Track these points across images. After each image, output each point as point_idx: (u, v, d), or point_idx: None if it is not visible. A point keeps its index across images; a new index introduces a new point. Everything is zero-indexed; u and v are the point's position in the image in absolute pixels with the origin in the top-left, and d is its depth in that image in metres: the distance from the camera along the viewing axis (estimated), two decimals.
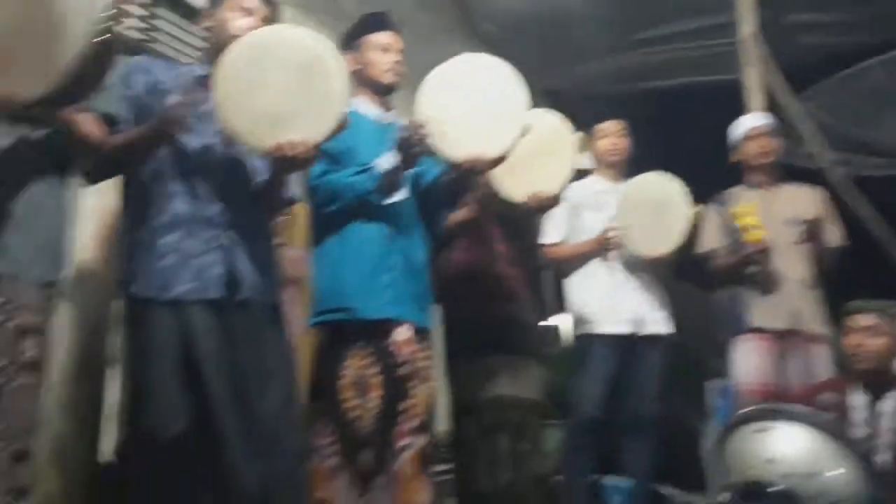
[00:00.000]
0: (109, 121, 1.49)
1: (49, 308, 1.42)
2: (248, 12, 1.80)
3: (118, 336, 2.07)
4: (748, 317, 2.74)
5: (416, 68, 2.03)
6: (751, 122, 2.98)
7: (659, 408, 2.82)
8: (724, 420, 2.57)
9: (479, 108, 1.93)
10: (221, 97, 1.64)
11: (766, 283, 2.71)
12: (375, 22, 2.13)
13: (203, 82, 1.78)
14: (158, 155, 1.71)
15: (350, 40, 2.11)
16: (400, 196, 1.99)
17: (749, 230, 2.62)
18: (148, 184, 1.73)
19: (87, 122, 1.41)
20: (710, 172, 2.96)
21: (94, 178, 1.72)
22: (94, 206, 2.27)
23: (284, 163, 1.65)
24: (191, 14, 3.75)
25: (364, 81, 2.12)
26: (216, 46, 1.76)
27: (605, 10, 4.06)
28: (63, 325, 2.09)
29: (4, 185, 1.33)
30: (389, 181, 1.95)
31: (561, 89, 4.18)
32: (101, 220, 2.29)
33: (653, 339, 2.82)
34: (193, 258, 1.69)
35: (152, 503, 1.61)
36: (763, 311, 2.72)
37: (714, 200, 2.92)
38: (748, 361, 2.72)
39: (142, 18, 3.69)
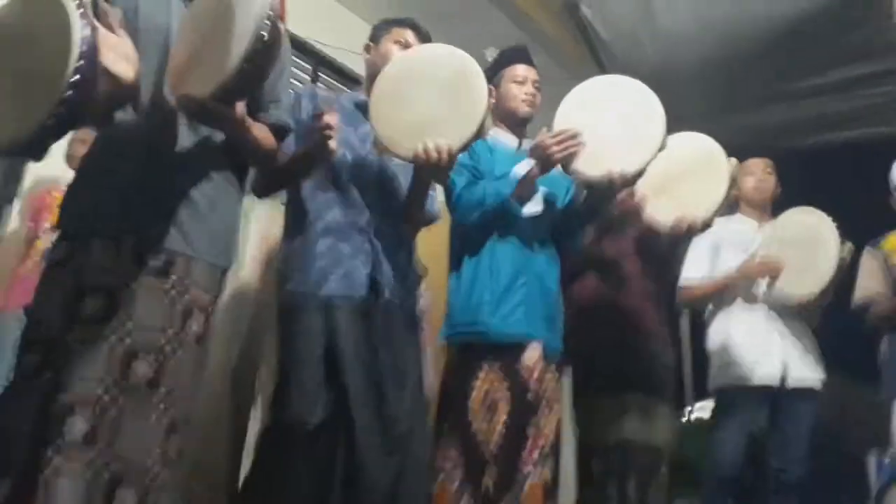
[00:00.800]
0: (282, 130, 1.63)
1: (216, 290, 1.52)
2: (406, 45, 1.99)
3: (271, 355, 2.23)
4: None
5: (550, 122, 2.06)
6: None
7: (808, 470, 2.59)
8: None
9: (614, 125, 1.94)
10: (375, 111, 1.81)
11: None
12: (512, 55, 2.26)
13: (362, 107, 1.96)
14: (320, 169, 1.88)
15: (489, 74, 2.22)
16: (535, 207, 2.03)
17: None
18: (309, 195, 1.91)
19: (259, 129, 1.54)
20: (870, 220, 2.78)
21: (265, 190, 1.90)
22: (254, 232, 2.50)
23: (427, 167, 1.76)
24: (349, 79, 4.13)
25: (501, 113, 2.22)
26: (376, 75, 1.92)
27: (746, 64, 3.98)
28: (217, 340, 2.28)
29: (187, 177, 1.48)
30: (526, 187, 1.99)
31: None
32: (261, 245, 2.51)
33: (802, 393, 2.61)
34: (344, 261, 1.83)
35: (285, 488, 1.69)
36: None
37: (871, 244, 2.73)
38: None
39: (305, 81, 4.10)
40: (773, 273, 2.56)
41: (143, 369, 1.34)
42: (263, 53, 1.29)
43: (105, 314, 1.35)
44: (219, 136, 1.52)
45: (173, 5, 1.54)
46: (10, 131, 1.18)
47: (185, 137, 1.49)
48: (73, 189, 1.50)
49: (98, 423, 1.28)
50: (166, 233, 1.43)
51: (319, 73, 4.20)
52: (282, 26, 1.32)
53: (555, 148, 1.92)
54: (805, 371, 2.63)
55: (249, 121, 1.49)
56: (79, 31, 1.15)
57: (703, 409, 4.49)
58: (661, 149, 1.89)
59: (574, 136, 1.91)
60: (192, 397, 1.46)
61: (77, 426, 1.27)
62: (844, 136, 4.48)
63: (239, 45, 1.27)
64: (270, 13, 1.28)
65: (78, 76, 1.14)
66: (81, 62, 1.14)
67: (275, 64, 1.38)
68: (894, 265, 2.46)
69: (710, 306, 2.80)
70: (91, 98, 1.19)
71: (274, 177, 1.82)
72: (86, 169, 1.51)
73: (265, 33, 1.27)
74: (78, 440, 1.26)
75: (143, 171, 1.44)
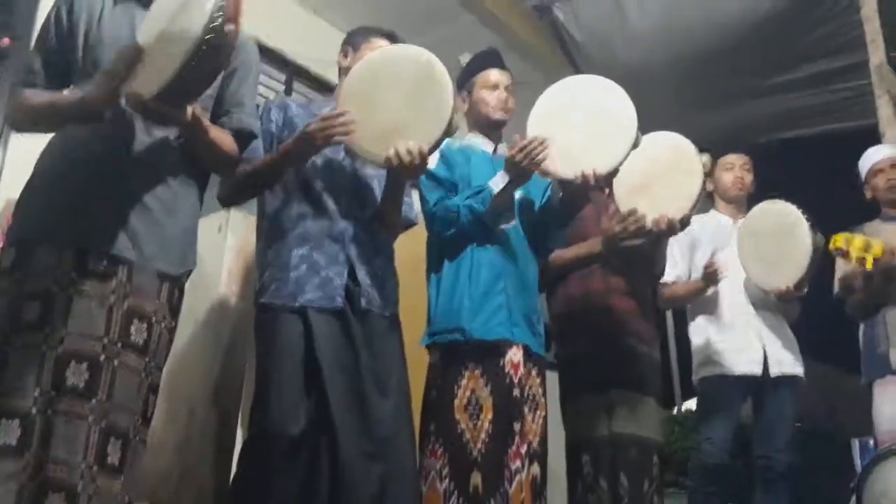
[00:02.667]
0: (245, 135, 1.62)
1: (164, 299, 1.46)
2: None
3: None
4: (889, 358, 2.53)
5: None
6: (875, 156, 2.84)
7: (793, 458, 2.61)
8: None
9: (587, 125, 1.95)
10: None
11: None
12: (484, 60, 2.25)
13: None
14: (293, 179, 1.87)
15: (462, 80, 2.23)
16: (511, 220, 2.04)
17: (864, 253, 2.38)
18: (282, 205, 1.90)
19: (219, 132, 1.53)
20: (844, 213, 2.81)
21: (230, 197, 1.89)
22: (231, 244, 2.49)
23: (400, 170, 1.76)
24: (324, 88, 4.12)
25: (475, 118, 2.23)
26: None
27: (718, 61, 4.02)
28: (200, 354, 2.27)
29: (141, 183, 1.46)
30: (501, 201, 2.00)
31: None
32: (237, 257, 2.50)
33: (785, 381, 2.64)
34: (320, 270, 1.82)
35: (269, 499, 1.68)
36: None
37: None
38: (890, 408, 2.49)
39: (279, 91, 4.09)
40: (718, 276, 2.59)
41: (75, 378, 1.32)
42: (208, 55, 1.28)
43: (40, 321, 1.33)
44: (177, 140, 1.50)
45: (137, 17, 1.53)
46: None
47: (141, 142, 1.47)
48: (23, 196, 1.48)
49: (27, 434, 1.27)
50: (113, 238, 1.40)
51: (294, 83, 4.20)
52: (231, 28, 1.30)
53: (521, 159, 1.92)
54: (786, 359, 2.66)
55: (207, 124, 1.47)
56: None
57: (692, 404, 4.54)
58: (635, 147, 1.90)
59: (542, 143, 1.91)
60: (131, 407, 1.40)
61: (5, 437, 1.27)
62: (817, 130, 4.54)
63: (183, 46, 1.27)
64: (219, 15, 1.27)
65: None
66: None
67: (222, 65, 1.37)
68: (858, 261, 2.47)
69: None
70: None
71: (242, 182, 1.80)
72: (36, 176, 1.49)
73: (210, 35, 1.26)
74: (7, 448, 1.26)
75: (95, 177, 1.43)
